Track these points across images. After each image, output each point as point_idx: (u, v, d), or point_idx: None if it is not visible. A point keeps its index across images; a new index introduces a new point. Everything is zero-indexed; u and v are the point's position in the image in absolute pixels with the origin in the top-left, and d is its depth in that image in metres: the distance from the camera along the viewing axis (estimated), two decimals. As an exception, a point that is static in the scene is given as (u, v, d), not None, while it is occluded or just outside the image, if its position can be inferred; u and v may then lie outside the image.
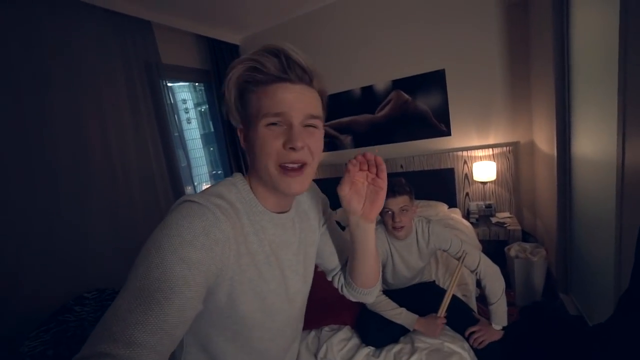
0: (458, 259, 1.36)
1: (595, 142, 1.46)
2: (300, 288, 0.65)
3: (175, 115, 3.00)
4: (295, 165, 0.52)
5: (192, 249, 0.43)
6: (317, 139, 0.55)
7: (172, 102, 3.34)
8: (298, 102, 0.51)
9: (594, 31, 1.40)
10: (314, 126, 0.54)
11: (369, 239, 0.63)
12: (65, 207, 1.91)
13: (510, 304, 1.33)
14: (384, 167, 0.57)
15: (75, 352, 0.37)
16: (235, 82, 0.52)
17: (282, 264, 0.60)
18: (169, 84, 2.81)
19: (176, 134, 2.79)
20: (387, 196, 1.28)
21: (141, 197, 2.32)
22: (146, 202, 2.34)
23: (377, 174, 0.57)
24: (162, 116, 2.51)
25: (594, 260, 1.56)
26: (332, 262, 0.75)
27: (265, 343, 0.61)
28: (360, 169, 0.58)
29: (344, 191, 0.58)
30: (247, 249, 0.53)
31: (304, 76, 0.52)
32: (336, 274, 0.76)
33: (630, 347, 0.87)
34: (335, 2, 2.78)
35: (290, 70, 0.50)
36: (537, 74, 2.11)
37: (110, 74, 2.16)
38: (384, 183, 0.57)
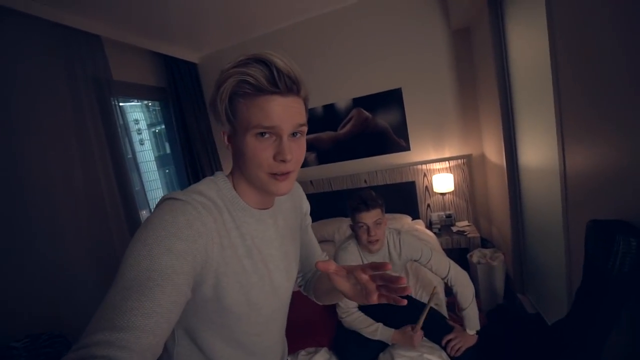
0: (443, 279, 1.38)
1: (538, 152, 1.61)
2: (283, 283, 0.66)
3: (126, 137, 2.80)
4: (284, 173, 0.55)
5: (177, 240, 0.46)
6: (302, 147, 0.57)
7: (122, 122, 3.13)
8: (287, 115, 0.52)
9: (528, 51, 1.58)
10: (301, 133, 0.56)
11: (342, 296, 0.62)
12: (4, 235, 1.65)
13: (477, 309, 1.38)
14: (397, 285, 0.49)
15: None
16: (228, 93, 0.52)
17: (265, 258, 0.62)
18: (120, 104, 2.63)
19: (129, 157, 2.59)
20: (361, 210, 1.29)
21: (90, 223, 2.08)
22: (94, 230, 2.11)
23: (389, 291, 0.51)
24: (114, 137, 2.32)
25: (546, 261, 1.70)
26: (297, 266, 0.78)
27: (252, 337, 0.63)
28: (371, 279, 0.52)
29: (331, 270, 0.54)
30: (229, 242, 0.55)
31: (293, 87, 0.52)
32: (298, 277, 0.83)
33: (587, 339, 0.93)
34: (294, 24, 2.86)
35: (280, 82, 0.50)
36: (483, 91, 2.32)
37: (54, 91, 1.97)
38: (375, 294, 0.52)
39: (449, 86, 2.56)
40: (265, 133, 0.52)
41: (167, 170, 4.03)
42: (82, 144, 2.11)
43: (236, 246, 0.56)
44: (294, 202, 0.76)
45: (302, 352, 1.40)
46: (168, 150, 3.72)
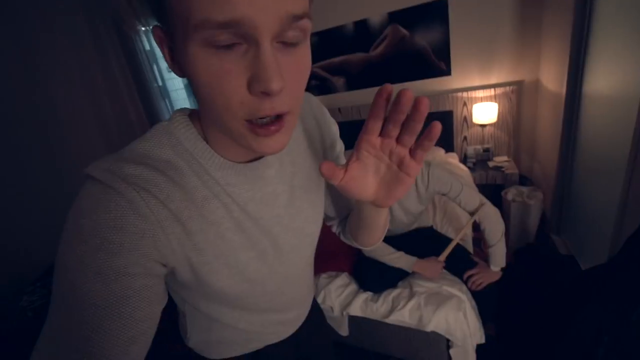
0: (470, 213, 1.30)
1: (613, 76, 1.33)
2: (296, 244, 0.50)
3: (155, 65, 2.70)
4: (272, 118, 0.32)
5: (106, 256, 0.31)
6: (302, 63, 0.33)
7: (149, 48, 3.00)
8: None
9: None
10: (298, 42, 0.31)
11: (379, 220, 0.48)
12: (38, 171, 1.77)
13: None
14: (428, 144, 0.35)
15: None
16: None
17: (265, 224, 0.45)
18: (143, 28, 2.47)
19: (156, 85, 2.55)
20: None
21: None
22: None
23: (413, 153, 0.35)
24: (137, 64, 2.25)
25: (594, 202, 1.54)
26: (329, 211, 0.63)
27: (263, 305, 0.52)
28: (388, 136, 0.35)
29: (341, 183, 0.38)
30: (201, 223, 0.38)
31: None
32: (333, 224, 0.67)
33: (628, 289, 0.86)
34: None
35: None
36: (552, 5, 1.89)
37: (71, 25, 1.87)
38: (416, 171, 0.36)
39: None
40: (231, 44, 0.28)
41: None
42: (106, 75, 2.07)
43: (214, 224, 0.40)
44: (313, 130, 0.52)
45: (324, 275, 1.47)
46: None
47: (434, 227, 1.62)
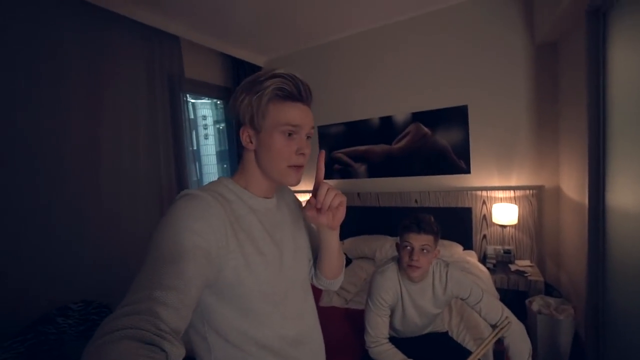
0: (493, 327, 1.19)
1: (636, 193, 1.32)
2: (291, 264, 0.72)
3: (194, 131, 3.01)
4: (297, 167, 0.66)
5: (193, 221, 0.54)
6: (310, 147, 0.70)
7: (193, 117, 3.36)
8: (306, 118, 0.66)
9: (636, 72, 1.31)
10: (310, 136, 0.69)
11: (333, 242, 0.76)
12: (66, 212, 1.85)
13: (534, 368, 1.16)
14: (321, 193, 0.65)
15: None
16: (270, 94, 0.62)
17: (276, 240, 0.69)
18: (191, 100, 2.83)
19: (191, 149, 2.77)
20: (411, 230, 1.17)
21: (146, 208, 2.26)
22: (149, 214, 2.28)
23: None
24: (179, 129, 2.50)
25: (635, 326, 1.37)
26: (308, 252, 0.85)
27: (278, 315, 0.66)
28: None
29: (308, 214, 0.68)
30: (240, 226, 0.62)
31: (309, 97, 0.66)
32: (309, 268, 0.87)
33: None
34: (358, 33, 2.82)
35: (303, 92, 0.64)
36: (567, 116, 2.02)
37: (132, 81, 2.19)
38: (332, 203, 0.65)
39: (524, 107, 2.28)
40: (291, 133, 0.64)
41: (224, 165, 4.27)
42: (150, 133, 2.30)
43: (250, 230, 0.63)
44: (288, 198, 0.84)
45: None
46: (227, 147, 3.94)
47: (450, 332, 1.47)
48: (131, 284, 0.45)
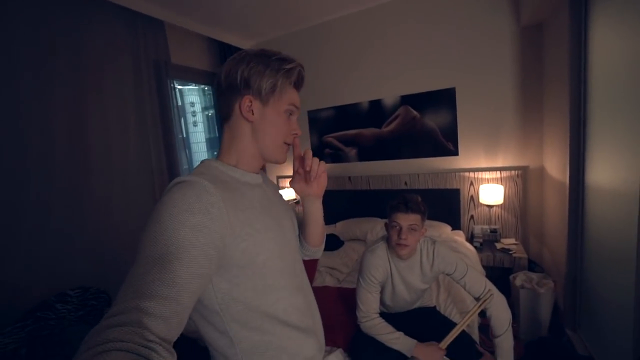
0: (476, 298, 1.26)
1: (613, 170, 1.39)
2: (291, 238, 0.75)
3: (182, 118, 2.97)
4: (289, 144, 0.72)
5: (189, 215, 0.49)
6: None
7: (180, 104, 3.31)
8: (300, 104, 0.71)
9: (615, 53, 1.35)
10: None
11: (319, 209, 0.83)
12: (60, 201, 1.85)
13: (514, 337, 1.23)
14: (308, 159, 0.73)
15: (51, 353, 0.37)
16: (294, 75, 0.67)
17: (274, 215, 0.69)
18: (179, 87, 2.78)
19: (181, 136, 2.75)
20: (399, 209, 1.21)
21: (138, 196, 2.26)
22: (142, 201, 2.28)
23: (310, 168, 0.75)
24: (168, 117, 2.47)
25: (609, 296, 1.47)
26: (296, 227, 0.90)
27: (294, 282, 0.69)
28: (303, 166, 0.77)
29: (296, 187, 0.79)
30: (243, 205, 0.60)
31: (302, 86, 0.73)
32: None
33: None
34: (346, 15, 2.78)
35: (302, 81, 0.71)
36: (551, 97, 2.07)
37: (117, 70, 2.14)
38: (318, 170, 0.75)
39: (510, 89, 2.32)
40: (292, 113, 0.69)
41: (215, 152, 4.23)
42: (139, 121, 2.28)
43: (251, 207, 0.62)
44: (265, 176, 0.86)
45: (317, 350, 1.37)
46: (217, 134, 3.90)
47: (437, 307, 1.54)
48: (123, 284, 0.44)
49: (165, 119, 2.45)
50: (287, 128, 0.68)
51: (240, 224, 0.56)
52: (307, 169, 0.74)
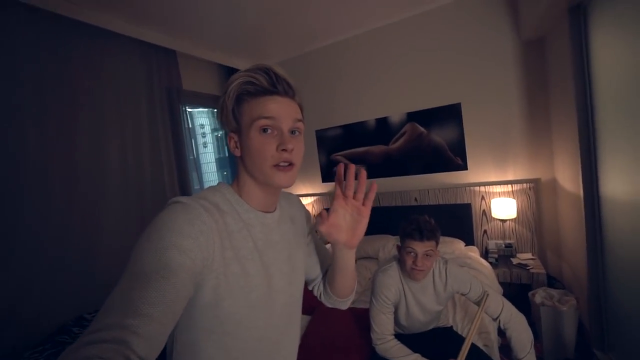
0: (478, 304, 1.23)
1: (630, 181, 1.36)
2: (283, 287, 0.65)
3: (193, 139, 3.06)
4: (286, 164, 0.58)
5: (179, 237, 0.48)
6: (301, 144, 0.62)
7: (190, 126, 3.41)
8: (285, 110, 0.58)
9: (619, 61, 1.35)
10: (299, 131, 0.61)
11: (350, 261, 0.70)
12: (78, 225, 1.90)
13: (537, 358, 1.18)
14: (371, 196, 0.62)
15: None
16: (234, 92, 0.58)
17: (266, 261, 0.62)
18: (189, 110, 2.88)
19: (191, 157, 2.82)
20: (413, 237, 1.19)
21: (152, 217, 2.29)
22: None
23: (363, 203, 0.62)
24: (179, 139, 2.55)
25: (637, 313, 1.40)
26: (314, 272, 0.80)
27: (253, 344, 0.61)
28: (346, 196, 0.62)
29: (323, 228, 0.61)
30: (230, 243, 0.56)
31: (289, 90, 0.59)
32: (316, 284, 0.81)
33: None
34: (351, 37, 2.87)
35: (279, 85, 0.58)
36: (558, 108, 2.06)
37: (134, 98, 2.24)
38: (367, 213, 0.62)
39: (516, 102, 2.32)
40: (267, 128, 0.57)
41: (224, 172, 4.31)
42: (152, 145, 2.35)
43: (237, 248, 0.57)
44: (296, 211, 0.77)
45: (331, 374, 1.34)
46: (226, 154, 3.97)
47: (454, 327, 1.49)
48: (107, 298, 0.43)
49: (177, 142, 2.53)
50: (267, 147, 0.57)
51: (221, 259, 0.53)
52: (350, 193, 0.60)
